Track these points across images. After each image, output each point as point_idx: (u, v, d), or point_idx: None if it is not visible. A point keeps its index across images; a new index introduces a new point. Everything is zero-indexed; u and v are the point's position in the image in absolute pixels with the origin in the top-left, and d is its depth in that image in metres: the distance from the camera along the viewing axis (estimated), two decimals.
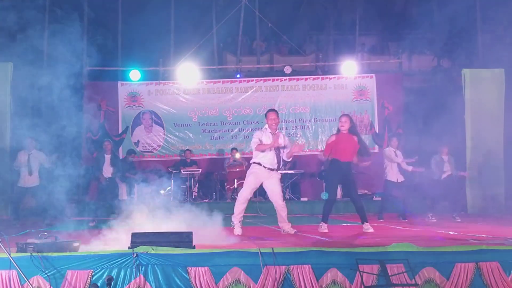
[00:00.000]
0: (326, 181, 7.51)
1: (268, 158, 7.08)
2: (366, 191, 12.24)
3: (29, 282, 4.53)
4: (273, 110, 7.31)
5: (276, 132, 7.18)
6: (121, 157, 12.92)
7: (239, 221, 7.14)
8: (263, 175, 7.11)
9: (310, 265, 4.70)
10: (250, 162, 7.28)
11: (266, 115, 7.25)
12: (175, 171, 12.36)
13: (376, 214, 10.00)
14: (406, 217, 9.56)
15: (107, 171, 10.70)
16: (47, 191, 9.99)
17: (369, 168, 9.96)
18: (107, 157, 10.75)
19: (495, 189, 11.50)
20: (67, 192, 12.56)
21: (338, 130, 7.47)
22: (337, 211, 10.65)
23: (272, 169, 7.11)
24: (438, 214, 9.71)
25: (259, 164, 7.09)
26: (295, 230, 7.09)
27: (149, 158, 13.57)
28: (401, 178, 9.71)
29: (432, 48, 17.29)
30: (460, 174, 10.23)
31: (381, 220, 9.48)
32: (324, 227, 7.34)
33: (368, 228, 7.32)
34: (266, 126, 7.20)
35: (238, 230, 7.02)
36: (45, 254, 4.63)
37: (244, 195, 7.19)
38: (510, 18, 13.80)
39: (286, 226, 7.16)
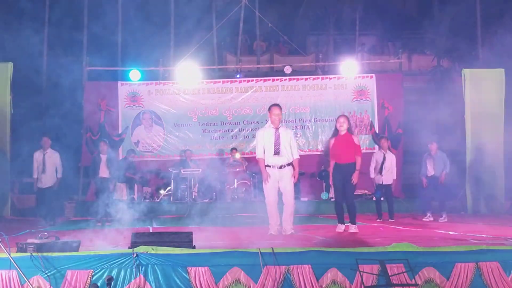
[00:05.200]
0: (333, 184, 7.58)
1: (272, 158, 7.04)
2: (366, 191, 12.24)
3: (29, 282, 4.53)
4: (277, 104, 7.23)
5: (279, 127, 7.12)
6: (121, 157, 12.91)
7: (275, 227, 7.06)
8: (275, 176, 7.06)
9: (310, 265, 4.70)
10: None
11: (269, 109, 7.16)
12: (175, 171, 12.36)
13: (374, 214, 10.07)
14: (393, 217, 9.63)
15: (103, 171, 10.56)
16: (60, 192, 10.09)
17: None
18: (103, 157, 10.59)
19: (495, 189, 11.50)
20: (76, 192, 12.63)
21: (336, 132, 7.46)
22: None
23: (281, 167, 7.04)
24: (435, 214, 9.75)
25: (268, 166, 7.06)
26: (292, 231, 7.05)
27: (149, 158, 13.56)
28: (387, 181, 9.79)
29: (432, 48, 17.30)
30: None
31: (379, 220, 9.57)
32: (340, 228, 7.42)
33: (352, 228, 7.35)
34: (269, 122, 7.17)
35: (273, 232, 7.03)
36: (45, 254, 4.63)
37: (267, 201, 7.13)
38: (510, 18, 13.79)
39: (286, 225, 7.11)
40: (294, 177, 7.09)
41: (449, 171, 9.81)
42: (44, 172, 9.86)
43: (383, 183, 9.78)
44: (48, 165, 9.90)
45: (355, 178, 7.22)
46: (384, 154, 9.83)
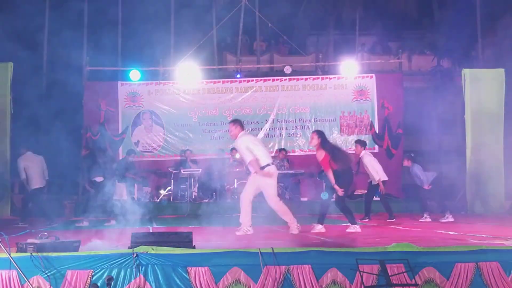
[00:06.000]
0: None
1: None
2: (365, 191, 12.23)
3: (29, 282, 4.53)
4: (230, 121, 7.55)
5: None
6: (121, 157, 12.92)
7: (247, 224, 7.11)
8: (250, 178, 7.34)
9: (310, 265, 4.70)
10: None
11: None
12: (175, 171, 12.36)
13: (375, 214, 10.09)
14: (393, 217, 9.62)
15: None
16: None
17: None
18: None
19: (495, 189, 11.49)
20: (76, 192, 12.61)
21: None
22: (336, 210, 10.65)
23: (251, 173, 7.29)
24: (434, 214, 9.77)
25: None
26: (293, 232, 7.04)
27: (149, 158, 13.57)
28: (374, 181, 9.81)
29: (432, 48, 17.30)
30: None
31: (367, 219, 9.61)
32: (318, 228, 7.48)
33: (351, 228, 7.42)
34: None
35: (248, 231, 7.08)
36: (45, 254, 4.63)
37: (241, 195, 7.30)
38: (510, 18, 13.81)
39: (291, 225, 7.15)
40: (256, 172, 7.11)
41: (432, 180, 9.65)
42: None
43: (372, 183, 9.85)
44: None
45: (338, 192, 7.32)
46: (360, 157, 9.80)
